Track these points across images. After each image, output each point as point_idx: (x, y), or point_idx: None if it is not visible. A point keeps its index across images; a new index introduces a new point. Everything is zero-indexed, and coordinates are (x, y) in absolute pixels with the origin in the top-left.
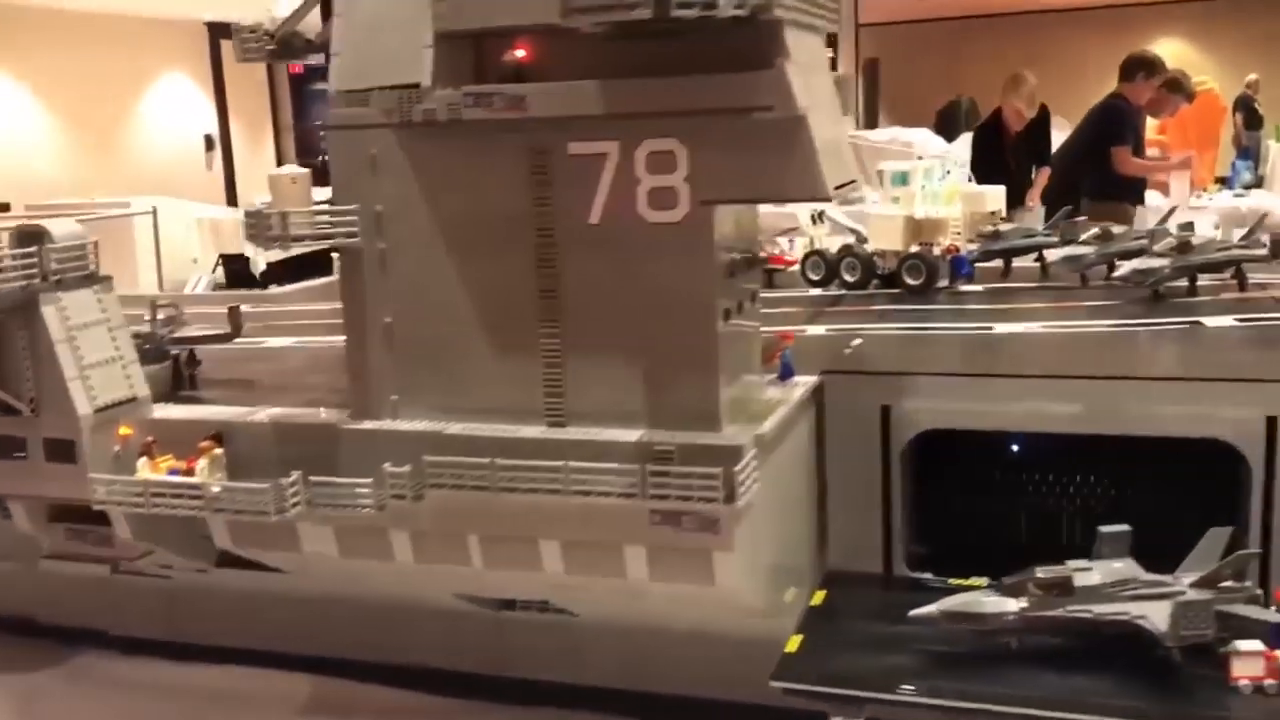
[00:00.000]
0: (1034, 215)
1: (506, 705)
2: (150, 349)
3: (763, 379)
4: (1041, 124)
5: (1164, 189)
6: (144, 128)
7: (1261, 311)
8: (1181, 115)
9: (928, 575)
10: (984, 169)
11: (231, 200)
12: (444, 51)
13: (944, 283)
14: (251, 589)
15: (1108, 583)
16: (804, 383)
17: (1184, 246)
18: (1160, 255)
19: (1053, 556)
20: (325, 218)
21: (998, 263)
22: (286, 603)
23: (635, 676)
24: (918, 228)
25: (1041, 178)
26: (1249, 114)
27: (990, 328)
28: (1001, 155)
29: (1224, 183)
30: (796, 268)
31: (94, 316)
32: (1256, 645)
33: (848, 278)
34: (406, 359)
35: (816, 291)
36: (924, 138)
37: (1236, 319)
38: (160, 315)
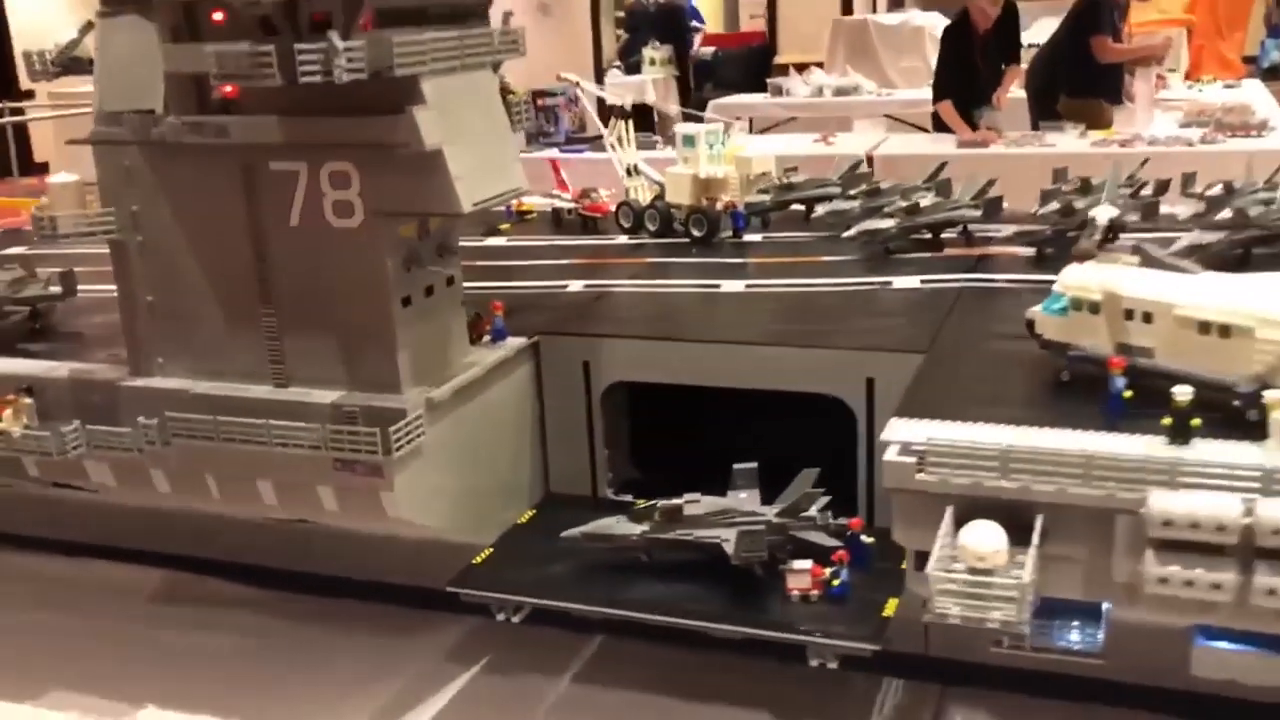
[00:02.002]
0: (1001, 117)
1: (310, 595)
2: None
3: (468, 344)
4: (1008, 21)
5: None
6: None
7: (956, 271)
8: None
9: (627, 498)
10: (953, 69)
11: None
12: (171, 86)
13: (728, 233)
14: (100, 500)
15: (710, 512)
16: (515, 344)
17: (912, 209)
18: (850, 199)
19: (720, 486)
20: (92, 217)
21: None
22: (136, 511)
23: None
24: (704, 185)
25: (1010, 76)
26: None
27: (718, 285)
28: (970, 56)
29: (1252, 62)
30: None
31: None
32: (807, 564)
33: (650, 227)
34: (166, 330)
35: (623, 240)
36: (934, 20)
37: (921, 280)
38: (6, 278)
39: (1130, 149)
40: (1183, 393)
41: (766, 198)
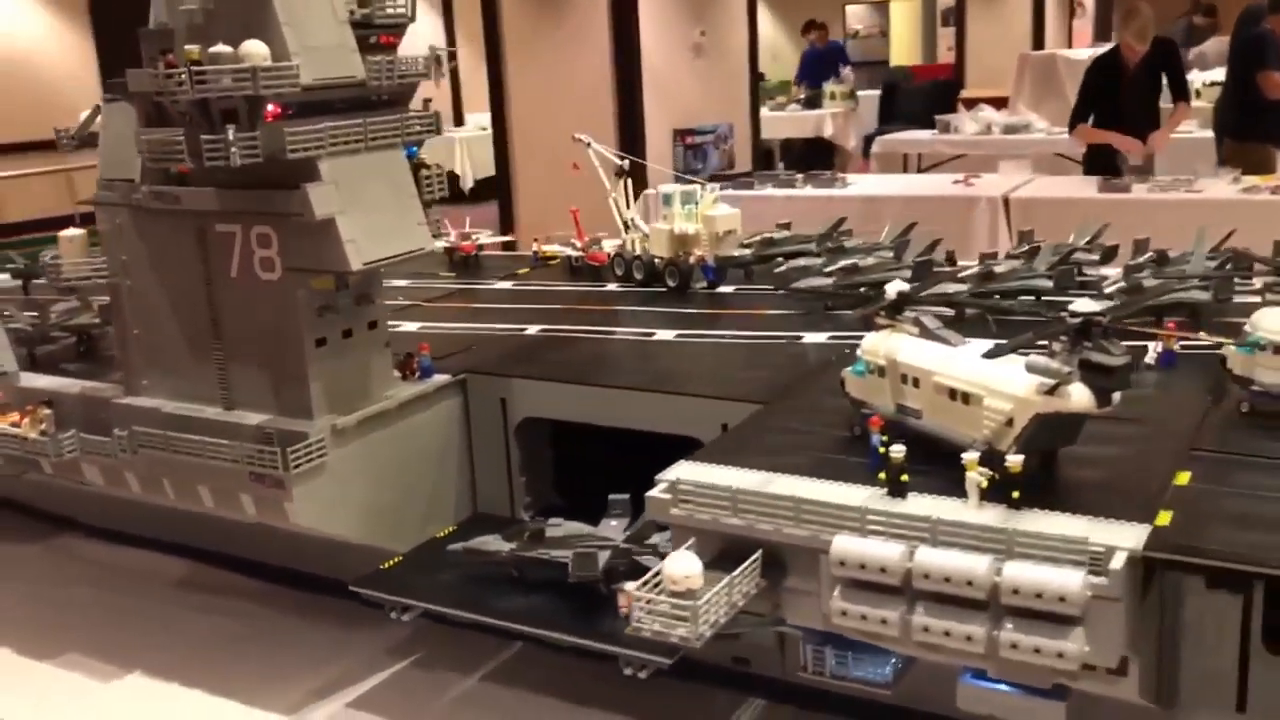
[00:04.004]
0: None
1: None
2: (37, 336)
3: (392, 379)
4: (1161, 58)
5: None
6: None
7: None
8: None
9: (540, 519)
10: (1094, 103)
11: (458, 115)
12: (145, 160)
13: (702, 284)
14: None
15: (569, 535)
16: (438, 381)
17: (850, 269)
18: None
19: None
20: (91, 266)
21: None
22: (168, 509)
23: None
24: (679, 240)
25: (1175, 116)
26: None
27: (653, 333)
28: (1115, 92)
29: None
30: None
31: None
32: (631, 586)
33: (637, 276)
34: (148, 358)
35: (612, 287)
36: None
37: (830, 336)
38: (61, 307)
39: None
40: (896, 451)
41: (749, 252)
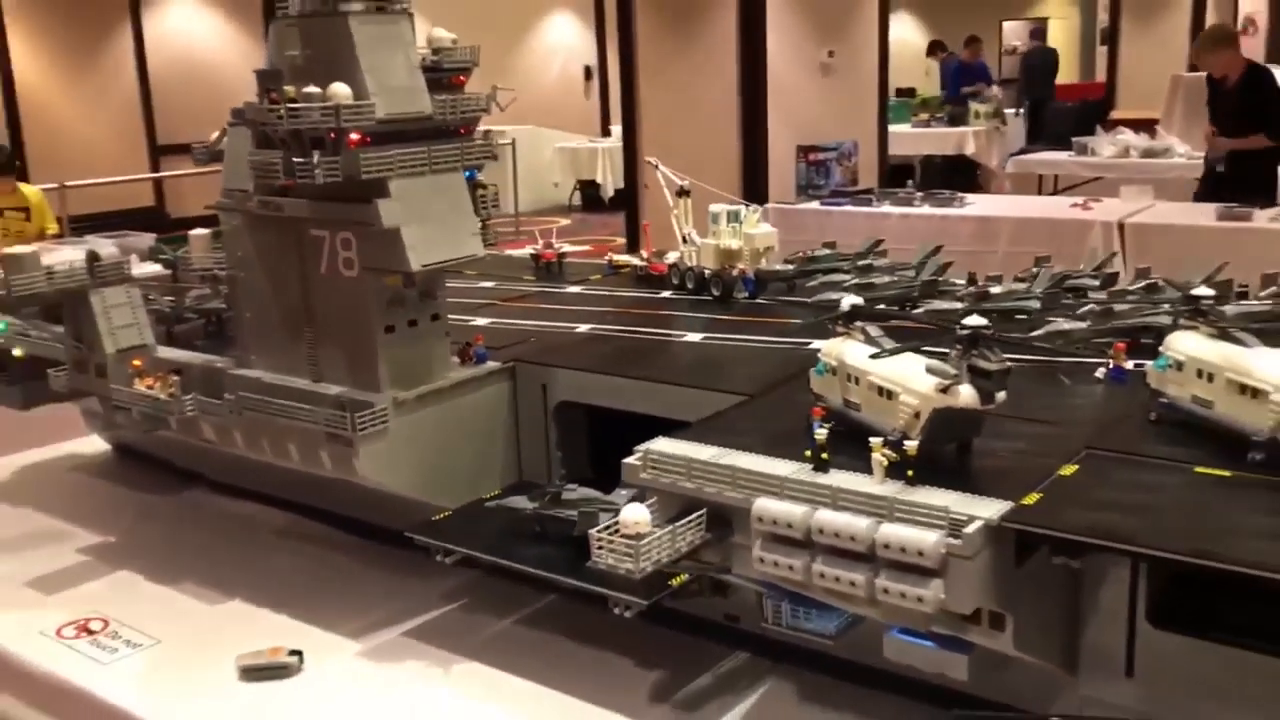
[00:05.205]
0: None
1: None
2: (173, 316)
3: (450, 364)
4: (1251, 86)
5: None
6: (532, 60)
7: None
8: None
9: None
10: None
11: (605, 127)
12: (256, 175)
13: (744, 294)
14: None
15: (582, 499)
16: (488, 367)
17: (865, 285)
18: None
19: None
20: (214, 260)
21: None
22: (273, 467)
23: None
24: (725, 254)
25: (1246, 142)
26: None
27: (684, 335)
28: (1213, 114)
29: None
30: None
31: (121, 300)
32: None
33: (689, 285)
34: (256, 338)
35: (666, 294)
36: None
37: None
38: (195, 293)
39: None
40: (820, 432)
41: (791, 268)
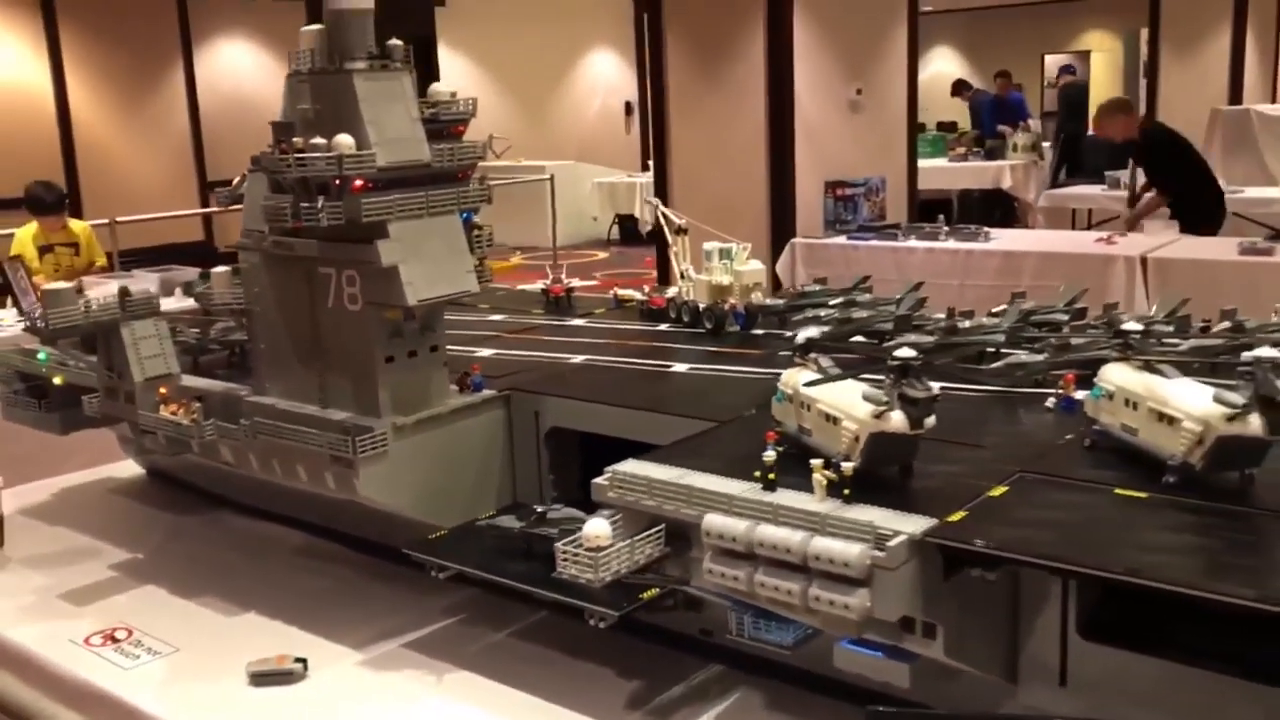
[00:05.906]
0: None
1: (381, 559)
2: (198, 347)
3: (448, 392)
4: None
5: None
6: (575, 97)
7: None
8: None
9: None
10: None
11: (645, 162)
12: (268, 218)
13: (735, 328)
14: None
15: (564, 518)
16: (484, 395)
17: (845, 320)
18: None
19: None
20: (233, 294)
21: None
22: (291, 491)
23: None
24: (717, 289)
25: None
26: None
27: (670, 365)
28: None
29: None
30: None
31: (150, 333)
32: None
33: (685, 319)
34: (270, 367)
35: (662, 326)
36: None
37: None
38: (219, 326)
39: None
40: (768, 455)
41: (782, 302)
